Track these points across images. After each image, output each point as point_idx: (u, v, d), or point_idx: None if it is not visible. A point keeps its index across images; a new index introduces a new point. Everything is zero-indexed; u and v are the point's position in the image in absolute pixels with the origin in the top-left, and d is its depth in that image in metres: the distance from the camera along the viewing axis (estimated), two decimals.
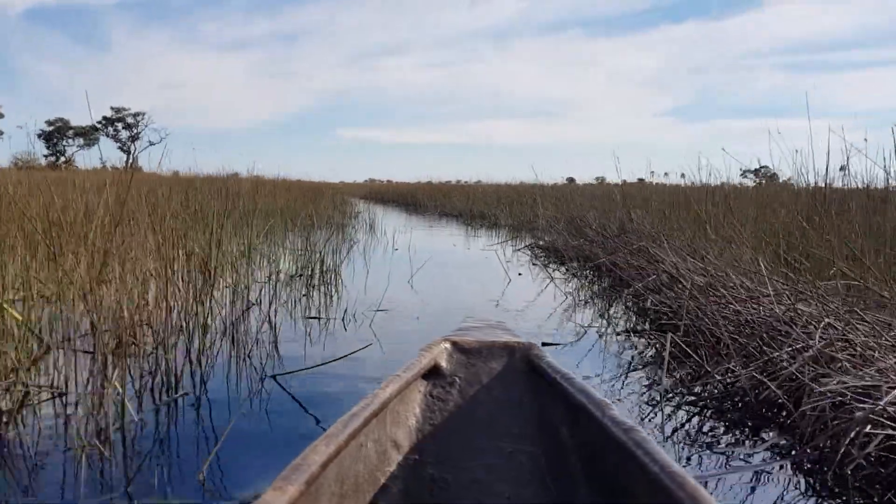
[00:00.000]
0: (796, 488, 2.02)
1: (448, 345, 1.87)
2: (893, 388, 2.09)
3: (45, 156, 65.99)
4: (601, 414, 1.45)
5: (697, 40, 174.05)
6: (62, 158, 66.19)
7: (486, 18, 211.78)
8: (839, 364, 2.43)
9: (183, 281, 3.40)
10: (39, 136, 66.61)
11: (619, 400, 2.67)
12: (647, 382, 2.93)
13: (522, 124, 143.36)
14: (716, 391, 2.76)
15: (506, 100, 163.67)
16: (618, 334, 3.82)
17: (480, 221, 14.60)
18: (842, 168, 4.87)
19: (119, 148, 68.67)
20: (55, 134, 67.39)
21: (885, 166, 4.26)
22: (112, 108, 67.92)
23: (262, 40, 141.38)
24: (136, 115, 68.29)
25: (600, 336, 3.76)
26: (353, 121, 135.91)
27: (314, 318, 3.96)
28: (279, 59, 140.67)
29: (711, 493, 1.38)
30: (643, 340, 3.71)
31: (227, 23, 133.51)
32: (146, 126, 68.32)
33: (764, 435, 2.37)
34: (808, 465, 2.13)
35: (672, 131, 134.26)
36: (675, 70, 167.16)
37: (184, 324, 3.08)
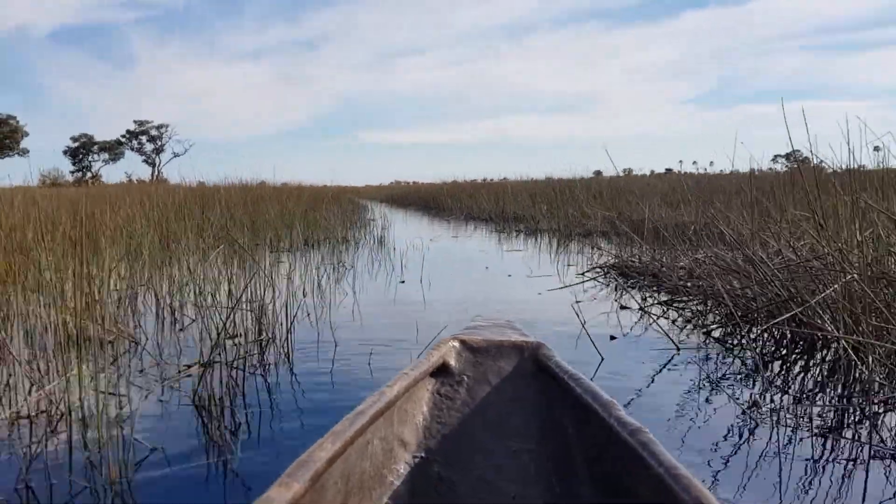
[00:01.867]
0: None
1: (457, 343, 1.81)
2: None
3: (72, 172, 65.01)
4: (608, 414, 1.39)
5: (718, 26, 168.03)
6: (89, 174, 65.08)
7: (500, 14, 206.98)
8: None
9: None
10: (65, 152, 65.58)
11: None
12: None
13: (542, 119, 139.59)
14: None
15: (524, 95, 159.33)
16: None
17: (515, 226, 11.83)
18: (876, 149, 4.63)
19: (144, 161, 67.35)
20: (80, 150, 66.26)
21: None
22: (135, 122, 66.57)
23: (280, 48, 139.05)
24: (159, 127, 66.84)
25: None
26: (372, 123, 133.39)
27: None
28: (297, 66, 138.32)
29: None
30: None
31: (244, 32, 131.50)
32: (170, 138, 66.91)
33: None
34: None
35: (694, 120, 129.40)
36: (695, 58, 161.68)
37: None
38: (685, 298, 4.10)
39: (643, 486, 1.18)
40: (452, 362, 1.77)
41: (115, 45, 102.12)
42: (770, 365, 2.90)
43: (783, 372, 2.84)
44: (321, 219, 10.11)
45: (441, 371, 1.75)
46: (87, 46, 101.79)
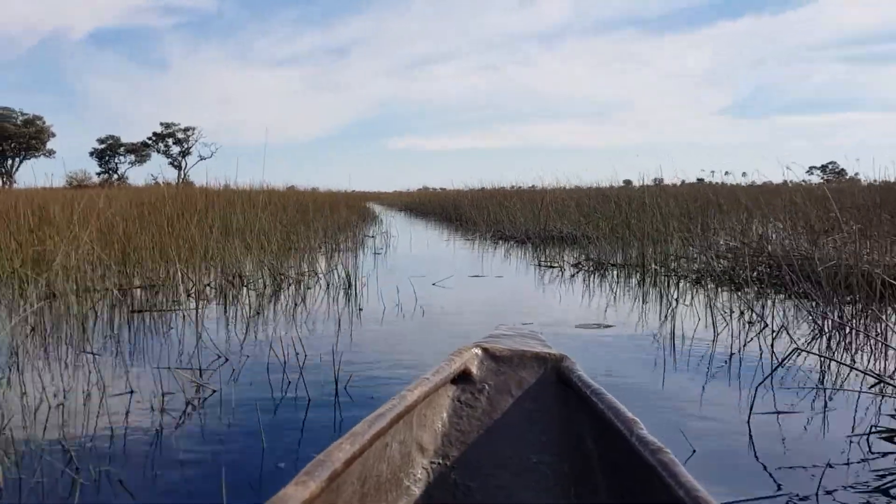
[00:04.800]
0: None
1: (479, 351, 1.75)
2: None
3: (98, 173, 62.68)
4: (629, 432, 1.31)
5: (754, 36, 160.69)
6: (115, 175, 62.75)
7: (533, 21, 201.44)
8: None
9: None
10: (91, 154, 63.33)
11: None
12: None
13: (574, 126, 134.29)
14: None
15: (556, 102, 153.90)
16: None
17: (566, 254, 8.01)
18: None
19: (170, 163, 64.75)
20: (107, 151, 63.90)
21: None
22: (161, 124, 63.96)
23: (312, 54, 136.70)
24: (185, 130, 64.19)
25: None
26: (403, 129, 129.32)
27: None
28: (329, 73, 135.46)
29: None
30: None
31: (277, 38, 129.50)
32: (196, 141, 64.18)
33: None
34: None
35: (728, 129, 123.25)
36: (730, 67, 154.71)
37: None
38: None
39: None
40: (474, 370, 1.71)
41: (150, 48, 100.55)
42: None
43: None
44: (287, 243, 6.45)
45: (462, 378, 1.69)
46: (123, 49, 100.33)
